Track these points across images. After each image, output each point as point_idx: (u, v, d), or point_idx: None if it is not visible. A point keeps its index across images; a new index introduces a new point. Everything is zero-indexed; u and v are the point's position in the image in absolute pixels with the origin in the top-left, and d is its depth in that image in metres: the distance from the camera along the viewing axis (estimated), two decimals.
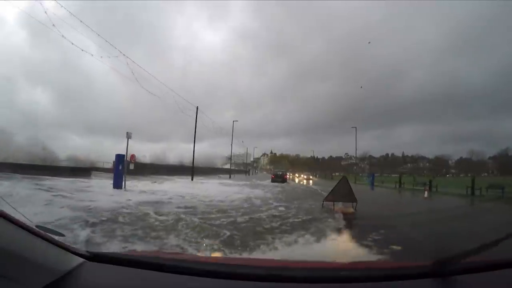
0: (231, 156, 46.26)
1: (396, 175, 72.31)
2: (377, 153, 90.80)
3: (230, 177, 40.23)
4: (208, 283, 1.10)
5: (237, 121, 44.87)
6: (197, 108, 24.43)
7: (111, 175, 23.89)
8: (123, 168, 13.21)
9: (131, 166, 19.40)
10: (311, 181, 39.81)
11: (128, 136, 13.64)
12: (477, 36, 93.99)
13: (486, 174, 79.11)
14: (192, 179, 23.87)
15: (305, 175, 50.81)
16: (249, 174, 68.27)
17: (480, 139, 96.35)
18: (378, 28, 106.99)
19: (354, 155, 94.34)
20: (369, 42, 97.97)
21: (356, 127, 44.37)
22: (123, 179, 13.06)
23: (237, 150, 67.13)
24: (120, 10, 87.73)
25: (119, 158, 13.76)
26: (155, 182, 18.88)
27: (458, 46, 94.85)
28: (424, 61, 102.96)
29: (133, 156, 19.02)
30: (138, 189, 13.54)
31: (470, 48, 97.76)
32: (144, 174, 25.85)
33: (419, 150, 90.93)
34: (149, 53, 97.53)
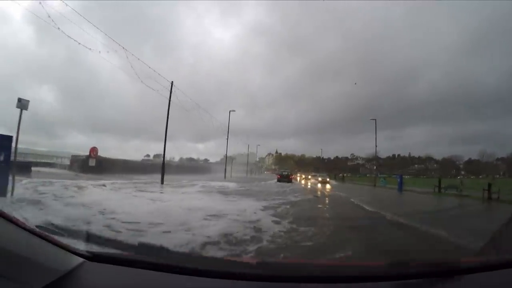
0: (226, 153, 37.59)
1: (406, 176, 65.17)
2: (383, 154, 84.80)
3: (225, 177, 32.41)
4: (208, 283, 1.06)
5: (234, 111, 35.84)
6: (171, 84, 17.58)
7: (57, 171, 17.20)
8: (8, 161, 6.72)
9: (92, 163, 13.91)
10: (328, 185, 29.04)
11: (22, 105, 7.15)
12: (491, 37, 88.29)
13: (498, 175, 72.65)
14: (162, 182, 16.18)
15: (320, 176, 37.73)
16: (251, 174, 61.65)
17: (489, 140, 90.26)
18: (392, 27, 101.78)
19: (361, 156, 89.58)
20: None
21: (375, 119, 35.86)
22: (8, 179, 7.41)
23: (242, 149, 61.04)
24: (129, 6, 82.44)
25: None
26: (103, 185, 12.37)
27: (472, 46, 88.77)
28: (436, 61, 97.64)
29: (94, 149, 13.85)
30: (42, 199, 7.17)
31: (483, 49, 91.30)
32: (111, 173, 19.41)
33: (425, 151, 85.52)
34: (159, 50, 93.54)
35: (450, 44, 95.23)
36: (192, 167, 47.21)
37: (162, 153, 19.02)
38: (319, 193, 17.91)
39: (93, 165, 14.56)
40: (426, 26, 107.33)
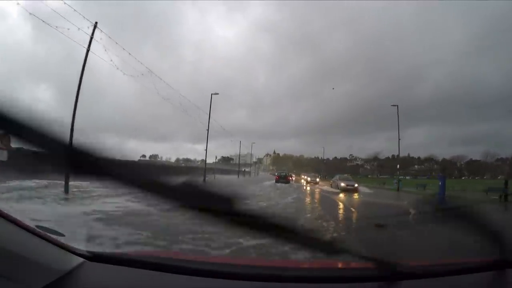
0: (206, 147, 30.25)
1: (408, 177, 63.61)
2: (384, 155, 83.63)
3: (204, 180, 25.54)
4: (208, 283, 1.06)
5: (217, 94, 29.99)
6: (95, 25, 12.57)
7: None
8: None
9: (2, 157, 10.41)
10: (355, 194, 18.97)
11: None
12: (495, 37, 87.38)
13: (501, 176, 71.37)
14: (66, 191, 10.60)
15: (342, 180, 22.35)
16: (244, 176, 55.28)
17: (491, 141, 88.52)
18: (397, 27, 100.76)
19: (360, 157, 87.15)
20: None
21: (397, 106, 30.31)
22: None
23: (242, 150, 57.45)
24: (131, 2, 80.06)
25: None
26: None
27: (476, 46, 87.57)
28: (439, 61, 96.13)
29: (3, 137, 9.54)
30: None
31: (487, 49, 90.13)
32: (34, 172, 13.14)
33: (426, 152, 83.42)
34: (159, 47, 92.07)
35: (453, 44, 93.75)
36: (179, 168, 40.51)
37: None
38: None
39: (4, 159, 10.64)
40: (430, 26, 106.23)
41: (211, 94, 28.66)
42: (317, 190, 21.24)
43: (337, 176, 25.18)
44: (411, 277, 1.09)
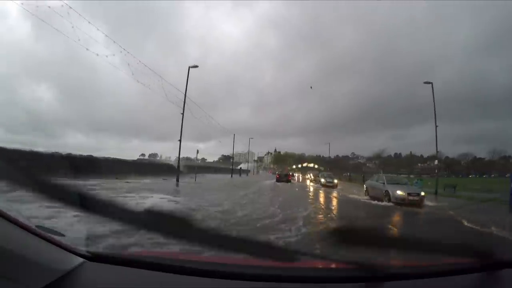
0: (180, 138, 23.83)
1: (412, 175, 63.56)
2: (386, 153, 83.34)
3: (178, 182, 20.66)
4: (208, 283, 1.08)
5: (197, 66, 23.93)
6: None
7: None
8: None
9: None
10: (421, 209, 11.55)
11: None
12: (504, 36, 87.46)
13: (508, 174, 71.28)
14: None
15: (401, 189, 12.39)
16: (241, 175, 49.49)
17: (496, 139, 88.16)
18: (404, 26, 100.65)
19: (362, 155, 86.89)
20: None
21: (432, 83, 24.17)
22: None
23: (242, 149, 56.10)
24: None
25: None
26: None
27: (484, 45, 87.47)
28: (449, 60, 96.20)
29: None
30: None
31: (494, 48, 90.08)
32: None
33: (428, 150, 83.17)
34: (162, 43, 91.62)
35: (460, 42, 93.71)
36: (162, 166, 34.58)
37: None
38: None
39: None
40: (438, 24, 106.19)
41: (189, 67, 23.22)
42: (345, 202, 13.53)
43: (382, 178, 14.67)
44: (397, 278, 1.11)
